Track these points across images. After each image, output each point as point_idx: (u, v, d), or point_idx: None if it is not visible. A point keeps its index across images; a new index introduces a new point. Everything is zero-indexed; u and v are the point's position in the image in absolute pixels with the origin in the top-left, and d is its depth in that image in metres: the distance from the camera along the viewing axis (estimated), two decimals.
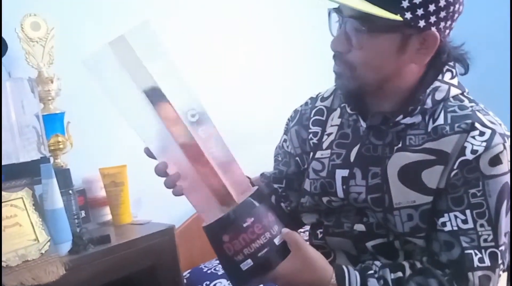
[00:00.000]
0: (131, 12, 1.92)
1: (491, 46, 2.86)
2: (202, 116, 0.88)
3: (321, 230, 1.07)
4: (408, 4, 0.84)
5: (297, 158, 1.15)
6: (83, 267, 1.22)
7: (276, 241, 0.87)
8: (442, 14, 0.86)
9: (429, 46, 0.90)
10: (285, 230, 0.88)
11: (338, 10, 0.92)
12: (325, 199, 1.04)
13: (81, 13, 1.77)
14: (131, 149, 1.78)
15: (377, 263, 0.95)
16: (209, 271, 1.81)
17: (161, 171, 0.91)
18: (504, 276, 1.11)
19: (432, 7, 0.85)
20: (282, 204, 1.18)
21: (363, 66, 0.91)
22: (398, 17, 0.84)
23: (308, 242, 1.11)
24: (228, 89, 2.27)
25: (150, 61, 0.85)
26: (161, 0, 2.04)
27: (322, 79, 1.26)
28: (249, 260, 0.85)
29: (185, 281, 1.74)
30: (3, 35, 1.47)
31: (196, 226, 1.92)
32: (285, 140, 1.19)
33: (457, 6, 0.88)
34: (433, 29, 0.87)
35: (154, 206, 1.79)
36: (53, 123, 1.48)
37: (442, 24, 0.87)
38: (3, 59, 1.48)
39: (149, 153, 0.93)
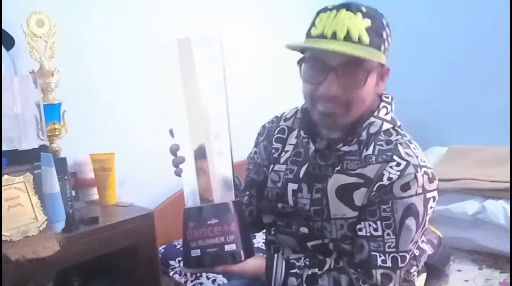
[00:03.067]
0: (127, 11, 2.08)
1: (491, 46, 3.02)
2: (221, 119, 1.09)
3: (274, 228, 1.29)
4: (384, 48, 1.06)
5: (264, 168, 1.34)
6: (75, 244, 1.41)
7: (226, 247, 1.02)
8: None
9: (385, 78, 1.13)
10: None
11: (320, 61, 1.05)
12: (279, 205, 1.25)
13: (78, 11, 1.92)
14: (119, 137, 1.99)
15: (302, 261, 1.18)
16: (181, 248, 2.01)
17: (173, 151, 1.12)
18: (422, 276, 1.35)
19: (390, 48, 1.09)
20: (253, 207, 1.37)
21: (358, 103, 1.07)
22: (384, 58, 1.06)
23: (265, 237, 1.34)
24: None
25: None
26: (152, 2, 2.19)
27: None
28: (198, 250, 1.02)
29: (160, 255, 1.95)
30: (10, 30, 1.63)
31: (171, 207, 2.11)
32: (255, 152, 1.38)
33: None
34: (387, 64, 1.10)
35: (136, 188, 2.00)
36: (51, 112, 1.66)
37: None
38: (10, 52, 1.65)
39: (172, 133, 1.13)
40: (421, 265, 1.26)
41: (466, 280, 2.32)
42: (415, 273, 1.24)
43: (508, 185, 2.45)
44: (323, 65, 1.05)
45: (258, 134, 1.39)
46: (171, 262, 1.99)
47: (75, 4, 1.90)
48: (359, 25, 1.02)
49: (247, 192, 1.36)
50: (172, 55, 1.06)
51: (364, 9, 1.04)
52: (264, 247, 1.39)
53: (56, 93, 1.70)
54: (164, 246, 2.07)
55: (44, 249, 1.32)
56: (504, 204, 2.42)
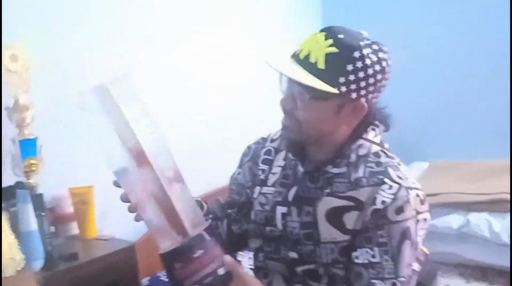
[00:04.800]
0: (101, 44, 2.07)
1: (472, 63, 3.09)
2: (167, 155, 1.02)
3: (262, 254, 1.26)
4: (344, 81, 1.04)
5: (248, 190, 1.31)
6: (54, 282, 1.37)
7: (220, 271, 0.99)
8: (371, 88, 1.07)
9: (358, 113, 1.10)
10: (228, 260, 1.01)
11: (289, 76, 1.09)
12: (267, 228, 1.23)
13: (54, 43, 1.90)
14: (98, 169, 1.95)
15: None
16: (167, 280, 1.98)
17: (124, 199, 1.07)
18: None
19: (363, 83, 1.05)
20: (233, 227, 1.34)
21: (306, 124, 1.09)
22: (335, 90, 1.04)
23: (253, 263, 1.32)
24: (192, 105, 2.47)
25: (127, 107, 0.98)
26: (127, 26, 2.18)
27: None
28: None
29: None
30: None
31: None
32: (239, 173, 1.35)
33: (383, 82, 1.08)
34: (362, 100, 1.08)
35: (118, 219, 1.94)
36: (27, 147, 1.63)
37: (370, 95, 1.08)
38: None
39: (116, 184, 1.07)
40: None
41: None
42: None
43: (491, 197, 2.47)
44: (287, 81, 1.10)
45: (243, 154, 1.37)
46: None
47: (49, 36, 1.88)
48: (322, 50, 1.04)
49: (211, 216, 1.32)
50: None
51: (340, 36, 1.04)
52: (251, 273, 1.35)
53: (31, 128, 1.66)
54: (148, 278, 2.02)
55: None
56: (487, 216, 2.44)
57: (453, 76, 3.16)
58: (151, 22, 2.36)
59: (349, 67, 1.03)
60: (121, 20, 2.19)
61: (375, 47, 1.06)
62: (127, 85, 1.01)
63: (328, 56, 1.03)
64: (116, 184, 1.07)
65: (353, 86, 1.04)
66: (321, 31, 1.07)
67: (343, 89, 1.04)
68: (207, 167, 2.41)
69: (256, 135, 1.38)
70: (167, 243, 1.05)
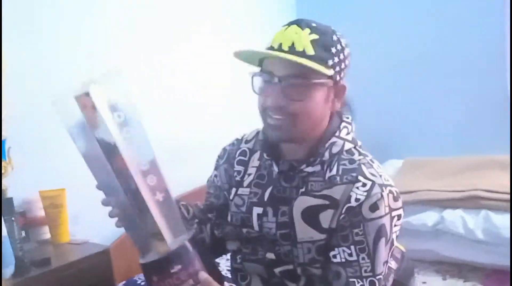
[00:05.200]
0: (78, 45, 2.03)
1: (445, 60, 3.12)
2: (152, 163, 0.98)
3: (240, 256, 1.25)
4: (332, 63, 1.07)
5: (225, 192, 1.30)
6: None
7: None
8: (346, 70, 1.11)
9: (340, 96, 1.13)
10: (203, 277, 0.99)
11: (269, 72, 1.07)
12: (244, 230, 1.22)
13: (26, 36, 1.85)
14: (70, 172, 1.91)
15: None
16: (143, 283, 1.94)
17: (106, 204, 1.04)
18: None
19: (343, 65, 1.10)
20: (215, 231, 1.33)
21: (304, 115, 1.07)
22: (331, 72, 1.06)
23: (230, 265, 1.30)
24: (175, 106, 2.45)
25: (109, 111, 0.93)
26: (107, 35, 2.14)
27: None
28: None
29: None
30: None
31: (130, 240, 2.03)
32: (215, 175, 1.34)
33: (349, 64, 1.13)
34: (342, 82, 1.11)
35: (91, 224, 1.91)
36: None
37: (344, 78, 1.11)
38: None
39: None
40: (390, 283, 1.24)
41: None
42: None
43: (464, 194, 2.51)
44: (270, 77, 1.07)
45: (219, 156, 1.36)
46: None
47: (23, 29, 1.84)
48: (304, 38, 1.05)
49: (196, 220, 1.31)
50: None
51: (314, 25, 1.07)
52: (229, 275, 1.34)
53: None
54: (123, 282, 1.98)
55: None
56: (462, 213, 2.47)
57: (427, 74, 3.20)
58: (134, 20, 2.34)
59: (333, 50, 1.07)
60: (99, 18, 2.16)
61: (339, 33, 1.12)
62: (115, 82, 0.96)
63: (312, 42, 1.05)
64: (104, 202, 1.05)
65: (338, 68, 1.08)
66: (291, 24, 1.09)
67: (332, 71, 1.07)
68: (193, 164, 2.38)
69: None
70: (147, 253, 1.03)
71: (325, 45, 1.06)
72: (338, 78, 1.09)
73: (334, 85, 1.10)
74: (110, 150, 0.92)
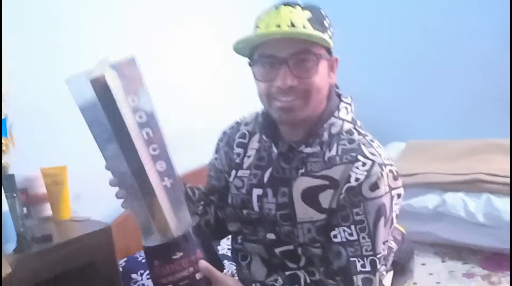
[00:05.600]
0: (82, 29, 2.01)
1: (447, 42, 3.10)
2: (162, 149, 0.98)
3: (241, 237, 1.26)
4: (328, 36, 1.08)
5: (225, 174, 1.31)
6: (28, 265, 1.33)
7: (197, 275, 0.99)
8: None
9: (335, 68, 1.14)
10: (203, 266, 1.00)
11: (270, 56, 1.06)
12: (245, 212, 1.22)
13: (26, 22, 1.83)
14: (72, 149, 1.91)
15: (280, 280, 1.14)
16: (143, 260, 1.96)
17: (113, 184, 1.04)
18: (389, 274, 1.34)
19: (333, 37, 1.11)
20: (219, 213, 1.33)
21: (315, 91, 1.08)
22: (331, 44, 1.08)
23: (230, 246, 1.31)
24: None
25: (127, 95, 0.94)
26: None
27: None
28: None
29: (120, 269, 1.88)
30: None
31: (131, 218, 2.01)
32: (216, 158, 1.35)
33: None
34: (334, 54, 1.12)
35: (92, 201, 1.91)
36: None
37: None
38: None
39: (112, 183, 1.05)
40: (389, 263, 1.25)
41: (431, 274, 2.36)
42: (384, 272, 1.23)
43: (466, 177, 2.50)
44: (273, 60, 1.06)
45: (219, 139, 1.36)
46: (133, 276, 1.92)
47: (23, 14, 1.81)
48: (300, 16, 1.05)
49: (202, 202, 1.32)
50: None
51: (301, 4, 1.08)
52: (229, 254, 1.35)
53: (1, 107, 1.60)
54: (125, 259, 2.00)
55: None
56: (463, 196, 2.47)
57: (431, 57, 3.18)
58: (141, 12, 2.32)
59: (326, 24, 1.09)
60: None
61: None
62: (132, 69, 0.95)
63: (309, 19, 1.06)
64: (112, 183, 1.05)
65: (332, 41, 1.10)
66: (276, 6, 1.08)
67: (331, 42, 1.09)
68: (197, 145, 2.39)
69: None
70: (150, 237, 1.04)
71: (319, 19, 1.08)
72: (332, 50, 1.11)
73: (330, 57, 1.12)
74: (122, 133, 0.92)
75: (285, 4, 1.07)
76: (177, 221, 1.03)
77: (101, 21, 2.13)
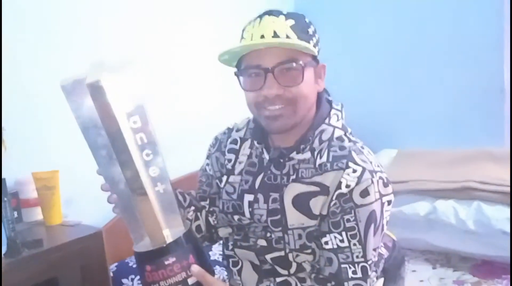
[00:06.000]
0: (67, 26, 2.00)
1: (440, 49, 3.10)
2: (156, 154, 0.96)
3: (231, 243, 1.26)
4: (313, 44, 1.09)
5: (217, 180, 1.31)
6: (18, 270, 1.33)
7: (189, 281, 0.98)
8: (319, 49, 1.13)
9: (322, 75, 1.16)
10: (195, 270, 0.98)
11: (256, 66, 1.07)
12: (236, 217, 1.22)
13: (18, 24, 1.83)
14: (64, 154, 1.91)
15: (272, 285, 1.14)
16: (134, 266, 1.95)
17: (105, 189, 1.04)
18: (380, 281, 1.35)
19: (319, 44, 1.13)
20: (210, 219, 1.33)
21: (301, 99, 1.08)
22: (315, 52, 1.10)
23: (222, 251, 1.31)
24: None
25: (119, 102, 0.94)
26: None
27: None
28: None
29: (111, 274, 1.88)
30: None
31: (122, 223, 2.01)
32: (207, 164, 1.35)
33: None
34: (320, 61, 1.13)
35: (84, 206, 1.91)
36: None
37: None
38: None
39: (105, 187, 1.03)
40: (380, 270, 1.26)
41: (421, 281, 2.37)
42: (375, 279, 1.23)
43: (457, 185, 2.52)
44: (259, 70, 1.07)
45: (210, 145, 1.36)
46: (124, 281, 1.91)
47: (12, 14, 1.81)
48: (284, 25, 1.07)
49: (192, 208, 1.32)
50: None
51: (285, 12, 1.10)
52: (221, 260, 1.35)
53: None
54: (115, 264, 1.99)
55: None
56: (454, 204, 2.49)
57: (423, 64, 3.19)
58: (138, 10, 2.32)
59: (310, 31, 1.10)
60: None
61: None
62: (126, 74, 0.95)
63: (292, 27, 1.07)
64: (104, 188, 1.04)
65: (316, 48, 1.11)
66: (261, 16, 1.10)
67: (316, 50, 1.11)
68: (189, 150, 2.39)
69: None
70: (141, 243, 1.03)
71: (303, 28, 1.09)
72: (318, 57, 1.13)
73: (315, 65, 1.13)
74: (116, 138, 0.92)
75: (269, 14, 1.08)
76: (169, 226, 1.02)
77: (97, 24, 2.14)
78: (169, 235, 1.01)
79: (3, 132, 1.63)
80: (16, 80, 1.79)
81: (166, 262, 0.97)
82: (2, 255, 1.34)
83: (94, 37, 2.11)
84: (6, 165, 1.63)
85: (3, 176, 1.56)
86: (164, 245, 0.99)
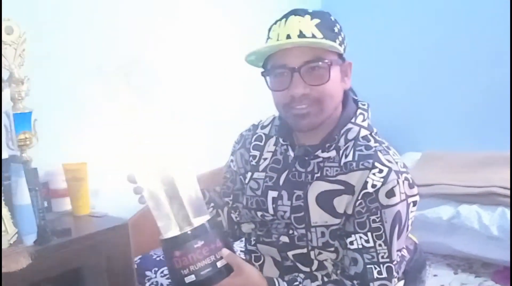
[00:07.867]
0: (97, 21, 2.05)
1: (464, 52, 3.07)
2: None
3: (254, 238, 1.28)
4: (339, 42, 1.10)
5: (241, 176, 1.34)
6: (47, 257, 1.37)
7: (219, 264, 1.02)
8: (346, 48, 1.14)
9: (349, 73, 1.16)
10: (226, 253, 1.03)
11: (282, 66, 1.09)
12: (259, 214, 1.24)
13: (47, 19, 1.88)
14: (92, 146, 1.95)
15: (301, 275, 1.15)
16: (158, 258, 1.99)
17: (131, 180, 1.09)
18: (401, 283, 1.35)
19: (345, 42, 1.13)
20: (232, 215, 1.36)
21: (328, 98, 1.10)
22: (341, 49, 1.10)
23: (244, 247, 1.33)
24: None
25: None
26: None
27: None
28: (193, 276, 1.00)
29: (135, 266, 1.91)
30: None
31: (148, 216, 2.03)
32: (232, 160, 1.37)
33: None
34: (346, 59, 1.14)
35: (111, 198, 1.95)
36: (22, 121, 1.60)
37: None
38: None
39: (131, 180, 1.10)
40: (401, 272, 1.26)
41: (442, 285, 2.35)
42: (396, 280, 1.24)
43: (481, 190, 2.49)
44: (285, 69, 1.09)
45: (235, 142, 1.38)
46: (147, 273, 1.95)
47: (44, 12, 1.86)
48: (309, 24, 1.07)
49: (212, 204, 1.35)
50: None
51: (310, 11, 1.10)
52: (242, 256, 1.37)
53: (26, 102, 1.64)
54: (139, 256, 2.03)
55: (15, 262, 1.28)
56: (477, 209, 2.46)
57: (449, 67, 3.16)
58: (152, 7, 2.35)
59: (336, 29, 1.11)
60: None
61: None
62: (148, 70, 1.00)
63: (317, 26, 1.08)
64: (131, 180, 1.09)
65: (343, 46, 1.12)
66: (287, 16, 1.10)
67: (343, 49, 1.12)
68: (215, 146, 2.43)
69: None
70: (169, 230, 1.06)
71: (329, 26, 1.10)
72: (344, 55, 1.13)
73: (342, 63, 1.14)
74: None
75: (295, 14, 1.09)
76: (195, 212, 1.06)
77: (111, 23, 2.17)
78: (195, 221, 1.05)
79: (35, 123, 1.67)
80: (48, 73, 1.83)
81: (195, 246, 1.00)
82: (33, 243, 1.38)
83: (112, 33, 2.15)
84: (37, 156, 1.68)
85: (34, 166, 1.60)
86: (192, 229, 1.02)
